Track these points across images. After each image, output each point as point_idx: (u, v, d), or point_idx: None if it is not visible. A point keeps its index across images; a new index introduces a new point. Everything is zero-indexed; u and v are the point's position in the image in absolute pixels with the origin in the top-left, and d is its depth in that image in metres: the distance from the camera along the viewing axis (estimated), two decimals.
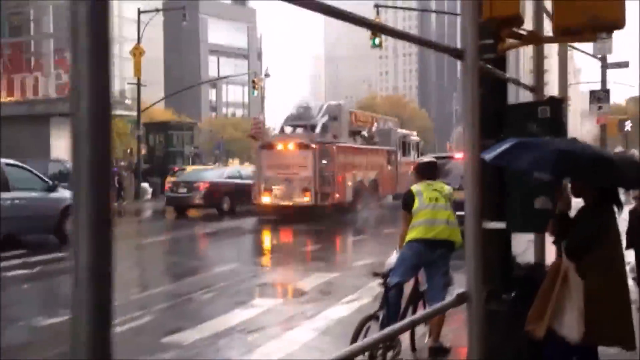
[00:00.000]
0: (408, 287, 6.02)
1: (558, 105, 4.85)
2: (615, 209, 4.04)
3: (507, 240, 5.11)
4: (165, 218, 23.92)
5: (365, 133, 23.58)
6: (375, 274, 5.92)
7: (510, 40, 4.70)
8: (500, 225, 4.92)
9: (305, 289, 9.05)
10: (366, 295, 8.30)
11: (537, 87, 5.87)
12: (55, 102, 37.65)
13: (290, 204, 19.34)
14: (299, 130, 21.49)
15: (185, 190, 22.09)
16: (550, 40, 4.76)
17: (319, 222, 18.36)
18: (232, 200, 22.05)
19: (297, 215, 18.85)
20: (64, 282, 9.96)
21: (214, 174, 23.86)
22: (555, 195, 4.37)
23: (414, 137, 28.67)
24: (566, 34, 4.55)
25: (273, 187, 19.42)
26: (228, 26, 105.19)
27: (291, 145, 19.77)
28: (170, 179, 31.81)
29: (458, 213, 5.57)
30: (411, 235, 5.74)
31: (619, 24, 4.59)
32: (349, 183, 20.49)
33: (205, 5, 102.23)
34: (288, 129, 21.87)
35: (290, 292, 8.89)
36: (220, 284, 9.32)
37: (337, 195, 19.82)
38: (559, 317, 3.89)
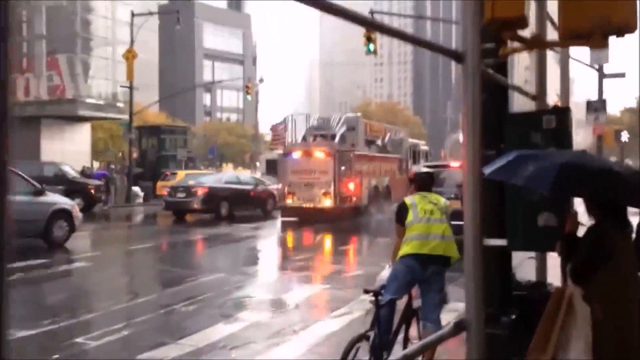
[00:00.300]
0: (401, 303, 5.71)
1: (564, 114, 4.53)
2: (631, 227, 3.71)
3: (507, 259, 4.79)
4: (156, 223, 23.55)
5: (379, 142, 25.82)
6: (366, 291, 5.57)
7: (513, 44, 4.38)
8: (501, 242, 4.60)
9: (295, 301, 8.71)
10: (357, 309, 7.95)
11: (540, 95, 5.56)
12: (46, 104, 37.28)
13: (312, 206, 21.05)
14: (320, 139, 23.48)
15: (183, 195, 22.14)
16: (556, 44, 4.45)
17: (334, 224, 19.57)
18: (230, 206, 22.34)
19: (318, 217, 20.43)
20: (47, 290, 9.57)
21: (212, 178, 24.00)
22: (563, 213, 4.04)
23: (424, 146, 30.97)
24: (574, 38, 4.23)
25: (296, 190, 21.27)
26: (223, 31, 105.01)
27: (313, 153, 21.57)
28: (162, 183, 31.50)
29: (454, 222, 5.25)
30: (404, 250, 5.42)
31: (631, 27, 4.28)
32: (365, 188, 22.34)
33: (200, 10, 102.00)
34: (310, 138, 23.95)
35: (278, 305, 8.52)
36: (205, 294, 8.96)
37: (355, 199, 21.69)
38: (564, 347, 3.55)
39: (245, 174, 34.35)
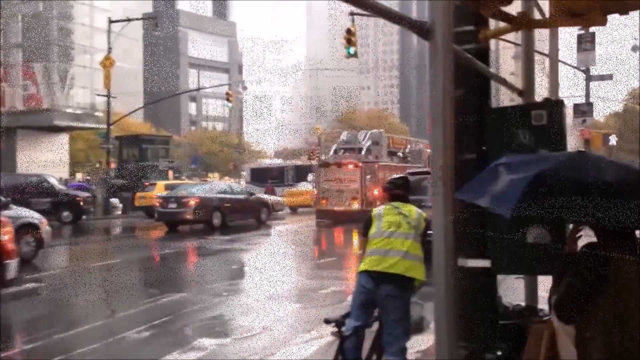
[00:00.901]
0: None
1: (557, 109, 3.77)
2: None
3: (491, 282, 4.01)
4: (130, 236, 22.69)
5: (400, 154, 29.44)
6: (327, 321, 4.79)
7: (499, 24, 3.64)
8: (483, 263, 3.83)
9: (262, 324, 7.89)
10: (330, 332, 7.14)
11: (527, 89, 4.81)
12: (21, 114, 36.28)
13: (342, 209, 24.44)
14: (349, 152, 27.31)
15: (175, 205, 21.89)
16: (547, 24, 3.70)
17: (351, 225, 21.15)
18: (223, 216, 22.36)
19: (347, 218, 23.31)
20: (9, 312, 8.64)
21: (204, 188, 23.91)
22: (559, 226, 3.26)
23: None
24: (568, 17, 3.48)
25: (329, 196, 24.90)
26: (208, 40, 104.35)
27: (343, 164, 25.12)
28: (140, 194, 30.57)
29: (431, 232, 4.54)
30: (360, 266, 4.71)
31: (634, 3, 3.55)
32: None
33: (185, 19, 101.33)
34: (340, 152, 27.88)
35: (242, 328, 7.69)
36: (163, 318, 8.10)
37: (379, 203, 24.39)
38: None
39: (238, 184, 34.23)
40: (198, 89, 66.58)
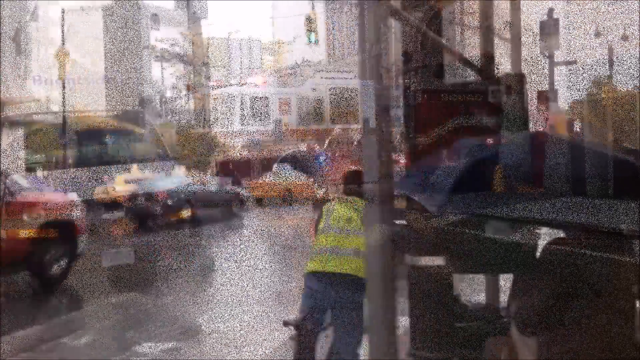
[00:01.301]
0: None
1: (517, 85, 3.36)
2: None
3: (448, 281, 3.59)
4: (98, 233, 21.91)
5: None
6: (286, 323, 4.40)
7: None
8: (438, 261, 3.41)
9: (214, 325, 7.40)
10: (287, 335, 6.68)
11: (486, 66, 4.38)
12: None
13: None
14: (342, 146, 30.40)
15: (143, 200, 21.40)
16: None
17: None
18: (194, 209, 21.71)
19: None
20: None
21: (172, 182, 23.53)
22: None
23: None
24: None
25: (324, 187, 26.20)
26: (172, 32, 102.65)
27: (337, 157, 27.61)
28: (99, 190, 29.64)
29: None
30: (307, 266, 4.28)
31: None
32: None
33: (147, 11, 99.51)
34: (334, 145, 30.94)
35: (192, 332, 7.19)
36: (104, 321, 7.55)
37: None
38: None
39: (207, 176, 33.88)
40: (163, 83, 65.42)
